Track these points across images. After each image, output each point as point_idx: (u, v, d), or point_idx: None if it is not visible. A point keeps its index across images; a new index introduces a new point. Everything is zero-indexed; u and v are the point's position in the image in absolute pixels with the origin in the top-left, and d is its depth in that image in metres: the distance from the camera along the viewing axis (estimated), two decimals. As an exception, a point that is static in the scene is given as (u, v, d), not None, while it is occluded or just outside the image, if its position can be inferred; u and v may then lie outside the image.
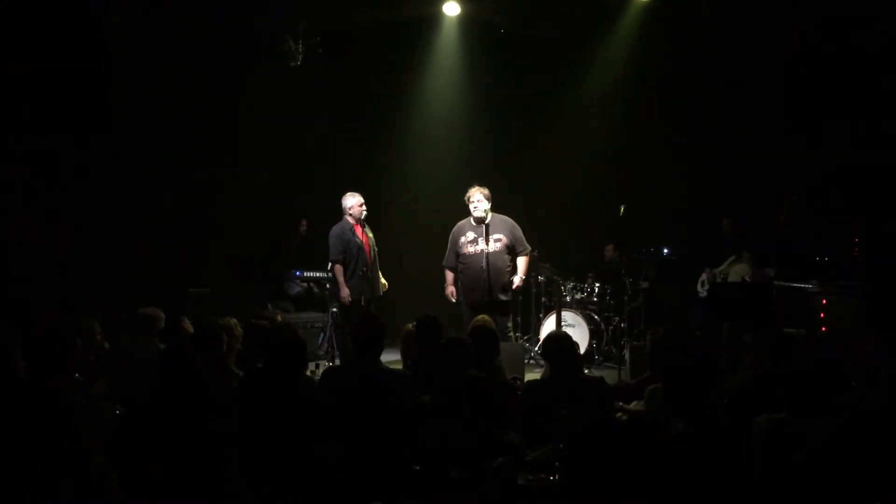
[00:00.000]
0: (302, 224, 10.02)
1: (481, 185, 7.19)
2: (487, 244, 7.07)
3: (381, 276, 7.72)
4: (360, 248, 7.47)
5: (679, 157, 9.63)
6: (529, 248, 7.33)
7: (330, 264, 7.59)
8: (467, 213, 7.24)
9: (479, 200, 7.08)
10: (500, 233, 7.16)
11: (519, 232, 7.26)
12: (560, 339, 4.80)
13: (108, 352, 5.38)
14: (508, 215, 7.34)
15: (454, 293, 7.29)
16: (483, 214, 7.09)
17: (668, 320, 7.15)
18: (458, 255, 7.24)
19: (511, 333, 7.46)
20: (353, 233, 7.48)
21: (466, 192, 7.18)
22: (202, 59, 8.71)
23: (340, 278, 7.44)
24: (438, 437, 3.92)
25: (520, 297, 7.51)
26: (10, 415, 3.52)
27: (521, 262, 7.26)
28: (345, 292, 7.40)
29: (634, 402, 4.91)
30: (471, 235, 7.17)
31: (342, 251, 7.44)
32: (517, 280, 7.24)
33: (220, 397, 4.19)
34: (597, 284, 9.33)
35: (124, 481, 3.57)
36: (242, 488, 3.70)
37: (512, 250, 7.20)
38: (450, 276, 7.34)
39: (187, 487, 3.56)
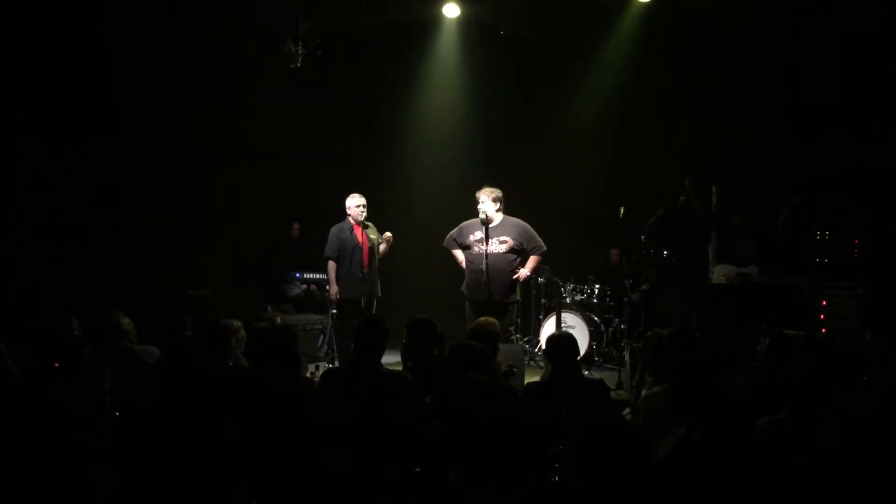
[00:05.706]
0: (293, 227, 10.00)
1: (492, 185, 7.17)
2: (490, 245, 7.06)
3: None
4: (355, 248, 7.53)
5: (680, 158, 9.62)
6: (544, 248, 7.27)
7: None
8: (471, 215, 7.23)
9: (482, 202, 7.07)
10: (506, 235, 7.12)
11: (530, 233, 7.22)
12: (565, 339, 4.81)
13: (108, 354, 5.37)
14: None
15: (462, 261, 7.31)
16: (486, 216, 7.05)
17: (669, 322, 7.09)
18: (467, 247, 7.23)
19: (513, 337, 7.44)
20: (352, 233, 7.54)
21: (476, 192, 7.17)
22: (202, 60, 8.71)
23: (332, 275, 7.59)
24: (439, 438, 3.90)
25: (518, 300, 7.47)
26: (7, 417, 3.52)
27: (532, 259, 7.24)
28: (334, 289, 7.57)
29: (626, 410, 4.88)
30: (478, 235, 7.16)
31: (336, 249, 7.57)
32: (523, 272, 7.21)
33: (221, 399, 4.18)
34: (597, 286, 9.33)
35: (124, 484, 3.56)
36: (243, 491, 3.69)
37: (520, 251, 7.16)
38: (454, 252, 7.36)
39: (188, 491, 3.54)
